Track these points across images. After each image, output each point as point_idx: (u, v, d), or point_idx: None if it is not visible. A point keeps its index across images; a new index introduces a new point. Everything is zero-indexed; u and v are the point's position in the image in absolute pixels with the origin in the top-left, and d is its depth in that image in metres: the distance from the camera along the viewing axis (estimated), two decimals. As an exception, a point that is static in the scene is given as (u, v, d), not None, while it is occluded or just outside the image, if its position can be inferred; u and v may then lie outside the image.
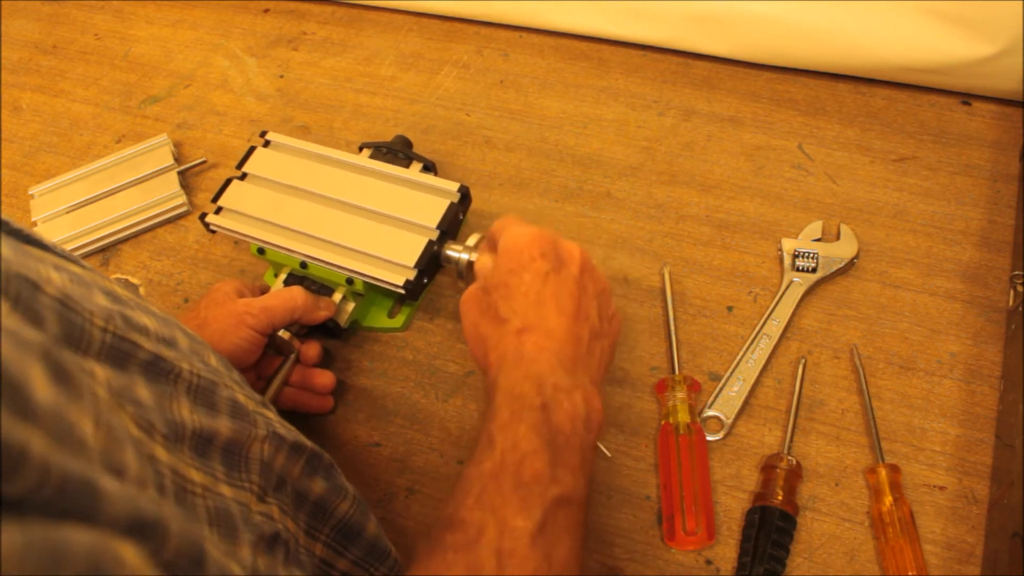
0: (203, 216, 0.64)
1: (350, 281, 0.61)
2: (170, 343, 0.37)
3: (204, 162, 0.79)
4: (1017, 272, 0.60)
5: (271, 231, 0.63)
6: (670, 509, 0.54)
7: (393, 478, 0.58)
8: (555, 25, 0.83)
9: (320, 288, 0.63)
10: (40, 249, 0.35)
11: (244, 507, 0.37)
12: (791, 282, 0.63)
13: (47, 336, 0.28)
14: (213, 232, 0.65)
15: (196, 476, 0.34)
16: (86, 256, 0.74)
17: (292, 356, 0.60)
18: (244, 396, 0.41)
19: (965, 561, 0.51)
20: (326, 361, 0.64)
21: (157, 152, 0.78)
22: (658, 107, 0.77)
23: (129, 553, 0.24)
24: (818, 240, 0.65)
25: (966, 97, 0.73)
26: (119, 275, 0.72)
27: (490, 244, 0.54)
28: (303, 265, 0.62)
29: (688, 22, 0.76)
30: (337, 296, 0.62)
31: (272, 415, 0.43)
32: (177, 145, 0.80)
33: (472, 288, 0.51)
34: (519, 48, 0.84)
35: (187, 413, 0.36)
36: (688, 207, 0.69)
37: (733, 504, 0.55)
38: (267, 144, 0.68)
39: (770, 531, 0.51)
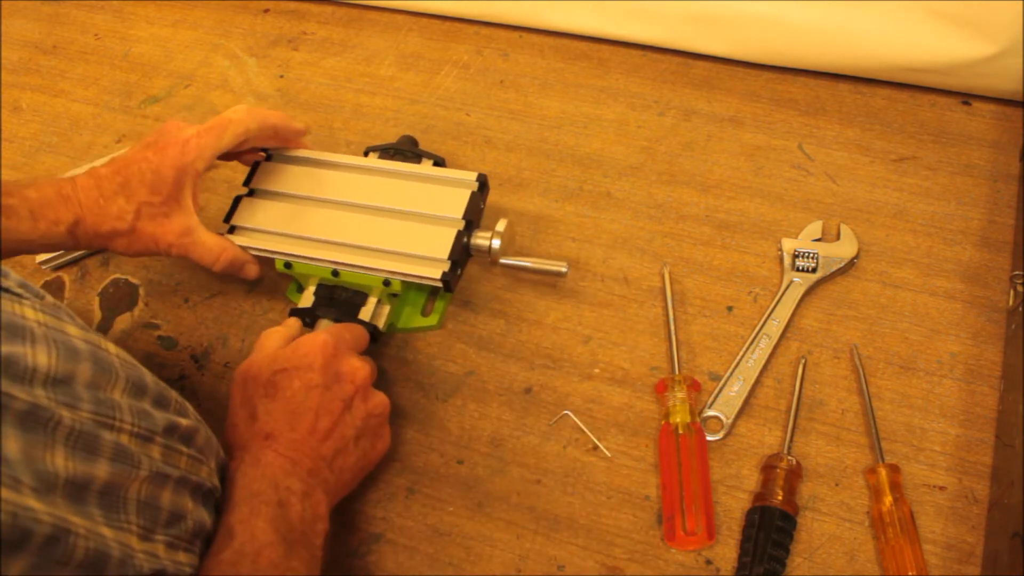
0: None
1: (387, 282, 0.60)
2: (63, 381, 0.37)
3: (204, 162, 0.78)
4: (1017, 272, 0.60)
5: (295, 244, 0.62)
6: (670, 509, 0.54)
7: (393, 478, 0.58)
8: (555, 25, 0.83)
9: (354, 295, 0.62)
10: None
11: (126, 547, 0.38)
12: (791, 282, 0.63)
13: None
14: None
15: (77, 519, 0.35)
16: (86, 256, 0.74)
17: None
18: (129, 436, 0.40)
19: (965, 561, 0.51)
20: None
21: (157, 152, 0.78)
22: (658, 107, 0.77)
23: None
24: (818, 240, 0.65)
25: (966, 97, 0.73)
26: (118, 275, 0.72)
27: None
28: (335, 273, 0.61)
29: (688, 22, 0.76)
30: (372, 301, 0.61)
31: (157, 454, 0.43)
32: (177, 145, 0.80)
33: (244, 368, 0.54)
34: (519, 48, 0.84)
35: (61, 461, 0.35)
36: (688, 207, 0.69)
37: (733, 504, 0.55)
38: (269, 158, 0.67)
39: (770, 531, 0.51)
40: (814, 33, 0.72)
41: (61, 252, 0.73)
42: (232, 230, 0.64)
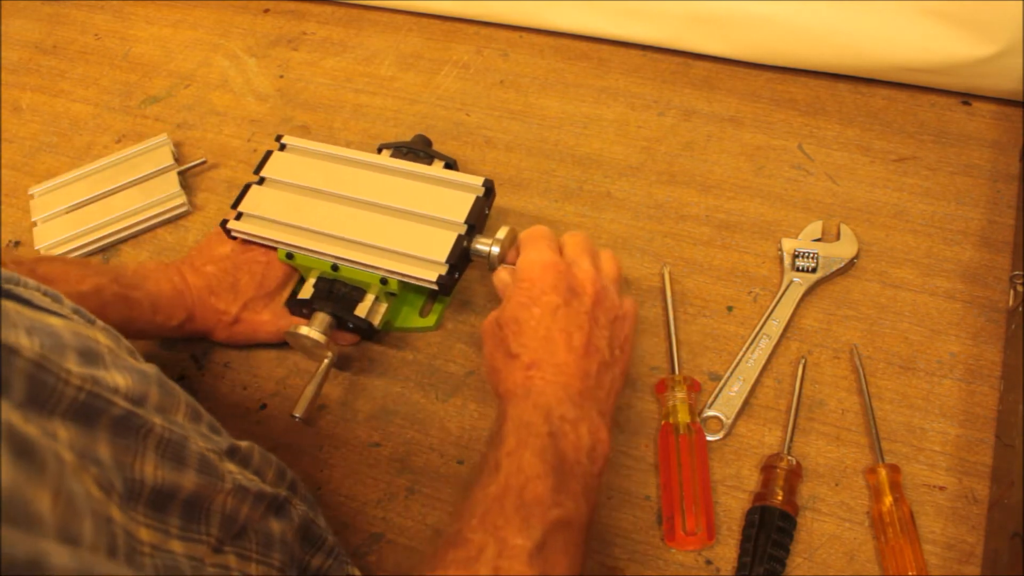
0: (224, 223, 0.63)
1: (384, 281, 0.60)
2: (139, 402, 0.37)
3: (204, 162, 0.79)
4: (1017, 272, 0.60)
5: (298, 235, 0.62)
6: (670, 509, 0.54)
7: (393, 478, 0.58)
8: (555, 25, 0.83)
9: (352, 290, 0.62)
10: (20, 304, 0.36)
11: (197, 562, 0.38)
12: (791, 282, 0.63)
13: (11, 403, 0.29)
14: (234, 239, 0.64)
15: (144, 535, 0.35)
16: (87, 255, 0.74)
17: (326, 361, 0.60)
18: (207, 450, 0.41)
19: (965, 561, 0.51)
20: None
21: (157, 152, 0.78)
22: (658, 107, 0.77)
23: None
24: (818, 240, 0.65)
25: (966, 97, 0.73)
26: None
27: (517, 253, 0.57)
28: (334, 268, 0.61)
29: (688, 22, 0.76)
30: (369, 298, 0.62)
31: (234, 467, 0.43)
32: (177, 145, 0.80)
33: (489, 319, 0.53)
34: (519, 48, 0.84)
35: (151, 469, 0.36)
36: (688, 207, 0.69)
37: (733, 504, 0.55)
38: (283, 148, 0.67)
39: (770, 531, 0.51)
40: (814, 33, 0.72)
41: (64, 249, 0.73)
42: (239, 216, 0.64)
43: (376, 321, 0.61)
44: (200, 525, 0.39)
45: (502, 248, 0.60)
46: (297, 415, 0.57)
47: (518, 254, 0.56)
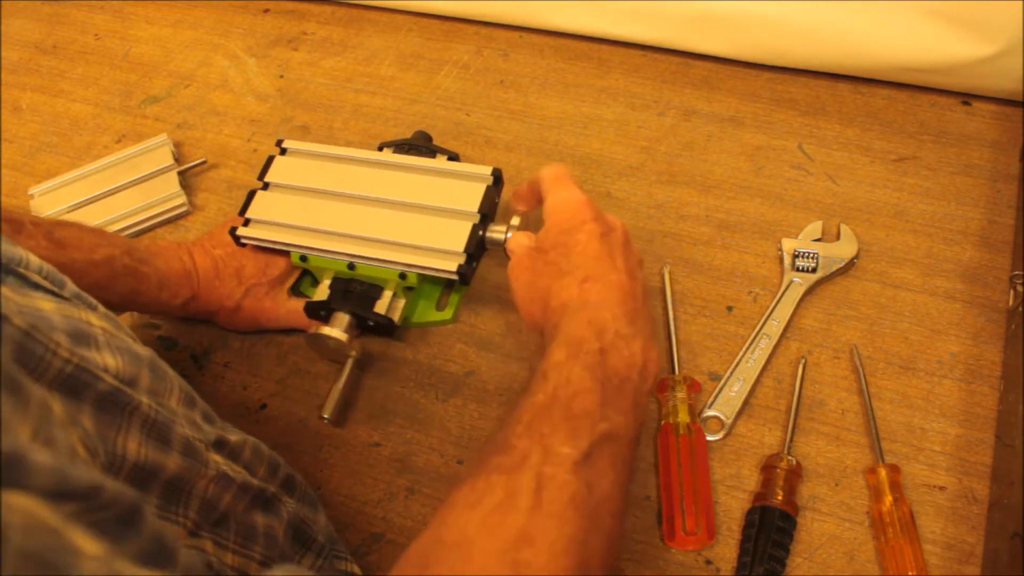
0: (233, 230, 0.63)
1: (403, 276, 0.60)
2: (129, 384, 0.38)
3: (204, 162, 0.79)
4: (1017, 272, 0.60)
5: (311, 237, 0.62)
6: (670, 509, 0.54)
7: (393, 478, 0.59)
8: (555, 25, 0.83)
9: (369, 288, 0.62)
10: (18, 283, 0.36)
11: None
12: (791, 282, 0.63)
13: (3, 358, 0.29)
14: (243, 246, 0.64)
15: None
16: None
17: (350, 360, 0.60)
18: (194, 438, 0.41)
19: (965, 561, 0.51)
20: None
21: (157, 152, 0.78)
22: (658, 107, 0.77)
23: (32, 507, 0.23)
24: (818, 240, 0.65)
25: (966, 97, 0.73)
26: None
27: (531, 192, 0.57)
28: (350, 266, 0.61)
29: (688, 22, 0.76)
30: (387, 294, 0.62)
31: (220, 459, 0.43)
32: (177, 145, 0.80)
33: (520, 254, 0.53)
34: (519, 48, 0.84)
35: (134, 447, 0.36)
36: (688, 207, 0.69)
37: (733, 504, 0.55)
38: (284, 152, 0.67)
39: (770, 531, 0.51)
40: (814, 33, 0.72)
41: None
42: (247, 223, 0.64)
43: (396, 317, 0.62)
44: (179, 507, 0.39)
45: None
46: (325, 416, 0.58)
47: (538, 200, 0.56)
